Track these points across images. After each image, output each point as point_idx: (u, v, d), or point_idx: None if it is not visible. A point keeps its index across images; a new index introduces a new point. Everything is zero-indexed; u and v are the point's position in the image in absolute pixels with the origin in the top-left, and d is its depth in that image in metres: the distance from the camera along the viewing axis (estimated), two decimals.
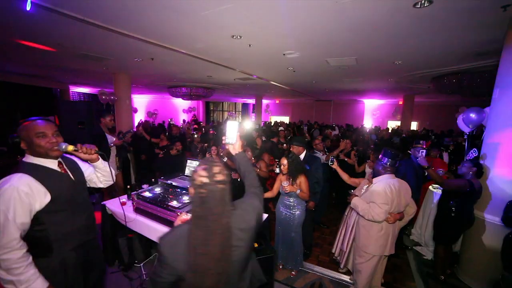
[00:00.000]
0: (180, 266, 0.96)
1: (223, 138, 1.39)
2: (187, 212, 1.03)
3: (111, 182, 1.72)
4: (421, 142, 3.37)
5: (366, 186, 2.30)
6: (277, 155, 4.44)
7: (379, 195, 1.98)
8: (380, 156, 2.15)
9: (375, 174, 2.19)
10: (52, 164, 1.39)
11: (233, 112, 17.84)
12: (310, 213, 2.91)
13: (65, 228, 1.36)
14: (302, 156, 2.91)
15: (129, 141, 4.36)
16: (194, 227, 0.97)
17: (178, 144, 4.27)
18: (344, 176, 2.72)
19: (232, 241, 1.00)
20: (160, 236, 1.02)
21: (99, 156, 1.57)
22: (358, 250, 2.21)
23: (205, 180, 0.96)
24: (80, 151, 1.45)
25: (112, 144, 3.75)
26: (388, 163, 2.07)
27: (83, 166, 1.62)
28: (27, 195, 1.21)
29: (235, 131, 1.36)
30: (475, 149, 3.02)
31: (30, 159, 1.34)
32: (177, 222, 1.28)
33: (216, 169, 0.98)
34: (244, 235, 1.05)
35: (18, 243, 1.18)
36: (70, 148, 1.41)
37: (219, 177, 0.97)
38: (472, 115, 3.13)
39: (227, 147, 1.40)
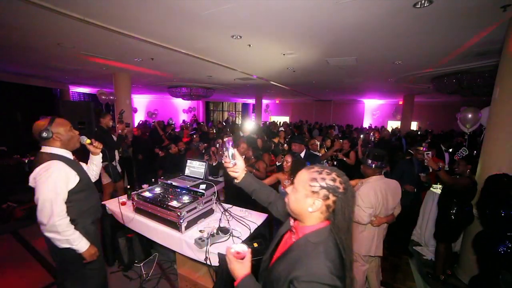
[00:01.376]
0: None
1: (226, 161, 1.22)
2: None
3: (97, 178, 2.00)
4: (423, 144, 3.33)
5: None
6: (278, 155, 4.45)
7: (363, 198, 1.98)
8: (365, 158, 2.15)
9: (364, 176, 2.19)
10: (70, 155, 1.68)
11: (233, 112, 17.83)
12: None
13: (84, 205, 1.67)
14: (302, 154, 2.92)
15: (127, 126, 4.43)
16: (342, 236, 0.87)
17: (181, 144, 4.28)
18: None
19: None
20: (316, 278, 0.80)
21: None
22: None
23: (344, 185, 0.89)
24: (94, 144, 1.84)
25: (120, 131, 3.90)
26: (373, 165, 2.07)
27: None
28: (66, 175, 1.55)
29: (230, 149, 1.19)
30: (464, 148, 3.04)
31: (53, 150, 1.59)
32: (232, 258, 0.98)
33: (340, 172, 0.93)
34: None
35: (65, 212, 1.52)
36: (88, 141, 1.81)
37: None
38: (469, 115, 3.16)
39: (229, 170, 1.24)
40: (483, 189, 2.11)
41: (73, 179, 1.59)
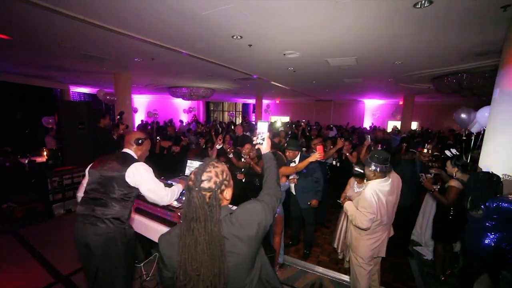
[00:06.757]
0: (175, 264, 0.94)
1: (254, 138, 1.47)
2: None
3: None
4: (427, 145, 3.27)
5: (355, 184, 2.33)
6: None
7: (365, 203, 1.94)
8: (368, 160, 2.05)
9: (367, 178, 2.13)
10: None
11: (233, 112, 17.82)
12: (313, 213, 2.99)
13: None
14: (297, 159, 2.88)
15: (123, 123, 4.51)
16: (184, 229, 0.93)
17: (184, 139, 4.29)
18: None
19: (224, 249, 0.92)
20: (161, 234, 1.04)
21: None
22: (352, 252, 2.22)
23: (191, 184, 0.93)
24: None
25: (122, 131, 3.93)
26: (378, 169, 1.97)
27: None
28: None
29: (265, 132, 1.44)
30: (453, 149, 3.03)
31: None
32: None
33: (205, 175, 0.94)
34: (240, 243, 0.96)
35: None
36: None
37: (205, 184, 0.93)
38: (463, 116, 3.16)
39: (257, 147, 1.46)
40: (473, 187, 2.14)
41: None
